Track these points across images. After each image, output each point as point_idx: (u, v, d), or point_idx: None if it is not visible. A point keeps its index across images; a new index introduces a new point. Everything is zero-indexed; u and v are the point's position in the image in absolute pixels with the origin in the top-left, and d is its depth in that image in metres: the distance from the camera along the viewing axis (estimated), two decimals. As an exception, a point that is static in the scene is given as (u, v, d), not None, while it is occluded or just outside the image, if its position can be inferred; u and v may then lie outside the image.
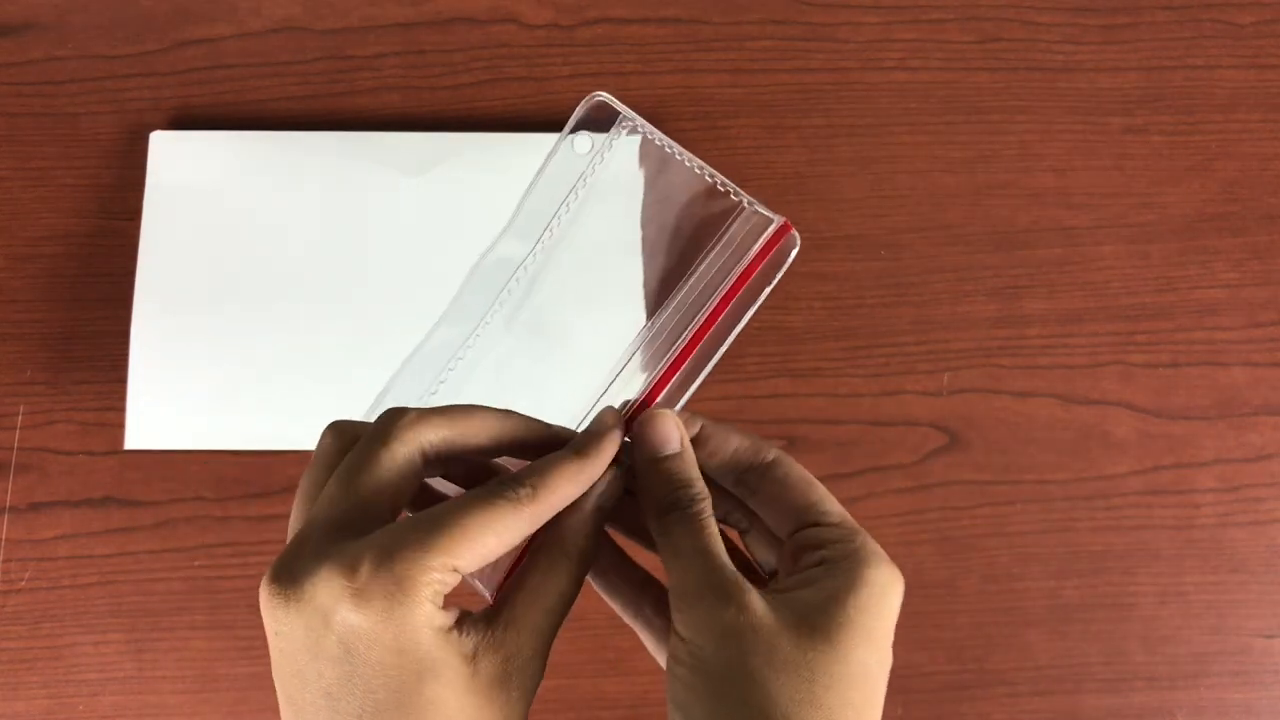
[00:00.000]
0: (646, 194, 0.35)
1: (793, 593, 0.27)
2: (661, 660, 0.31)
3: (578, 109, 0.34)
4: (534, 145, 0.53)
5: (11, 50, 0.55)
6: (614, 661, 0.50)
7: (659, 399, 0.32)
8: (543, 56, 0.55)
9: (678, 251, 0.34)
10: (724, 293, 0.32)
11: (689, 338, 0.32)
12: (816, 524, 0.29)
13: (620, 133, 0.35)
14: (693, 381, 0.32)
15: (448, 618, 0.26)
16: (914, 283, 0.53)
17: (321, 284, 0.51)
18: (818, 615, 0.26)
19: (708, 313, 0.32)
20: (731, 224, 0.33)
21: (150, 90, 0.55)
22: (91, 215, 0.53)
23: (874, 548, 0.28)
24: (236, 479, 0.51)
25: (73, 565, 0.51)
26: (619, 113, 0.35)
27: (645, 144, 0.35)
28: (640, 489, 0.30)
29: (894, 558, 0.51)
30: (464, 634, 0.26)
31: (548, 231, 0.35)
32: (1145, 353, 0.53)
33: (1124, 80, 0.55)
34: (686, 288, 0.34)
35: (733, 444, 0.31)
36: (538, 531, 0.28)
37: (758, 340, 0.53)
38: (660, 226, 0.35)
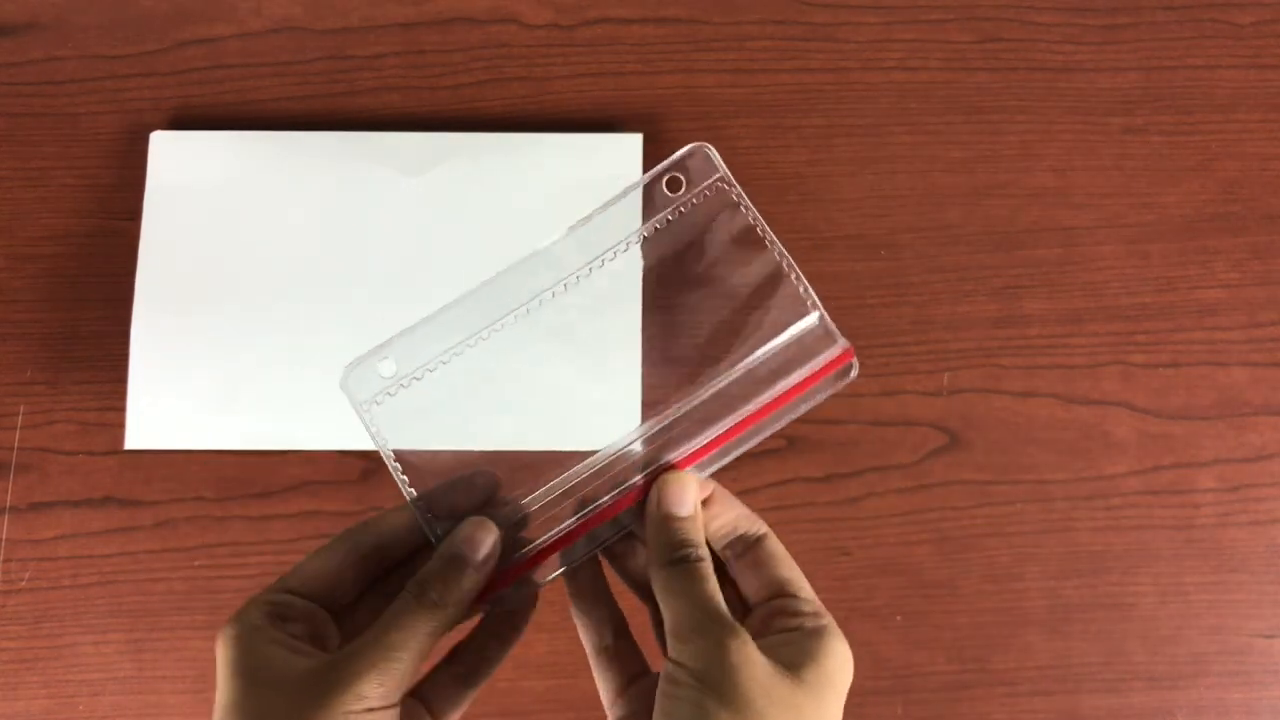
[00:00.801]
0: (718, 255, 0.36)
1: (773, 648, 0.30)
2: (605, 689, 0.34)
3: (682, 150, 0.34)
4: (534, 145, 0.53)
5: (12, 50, 0.55)
6: (614, 661, 0.50)
7: (687, 466, 0.34)
8: (543, 56, 0.55)
9: (731, 326, 0.35)
10: (772, 398, 0.34)
11: (725, 429, 0.34)
12: (794, 597, 0.32)
13: (715, 189, 0.35)
14: (710, 466, 0.34)
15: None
16: (914, 283, 0.53)
17: (322, 284, 0.52)
18: (801, 670, 0.30)
19: (750, 410, 0.34)
20: (796, 323, 0.34)
21: (150, 90, 0.55)
22: (92, 215, 0.53)
23: (837, 629, 0.31)
24: (237, 479, 0.51)
25: (73, 565, 0.51)
26: (718, 170, 0.35)
27: (734, 208, 0.35)
28: (649, 538, 0.33)
29: (894, 558, 0.51)
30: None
31: (610, 253, 0.35)
32: (1145, 353, 0.53)
33: (1124, 80, 0.55)
34: (734, 371, 0.35)
35: (734, 513, 0.34)
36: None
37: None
38: (721, 294, 0.36)
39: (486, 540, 0.32)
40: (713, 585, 0.31)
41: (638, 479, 0.34)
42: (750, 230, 0.34)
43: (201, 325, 0.51)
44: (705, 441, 0.34)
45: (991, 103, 0.55)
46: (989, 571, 0.51)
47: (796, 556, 0.34)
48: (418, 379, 0.35)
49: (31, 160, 0.54)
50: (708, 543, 0.34)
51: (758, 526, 0.34)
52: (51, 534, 0.51)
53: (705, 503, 0.34)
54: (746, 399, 0.34)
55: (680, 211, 0.35)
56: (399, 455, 0.34)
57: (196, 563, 0.51)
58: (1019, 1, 0.56)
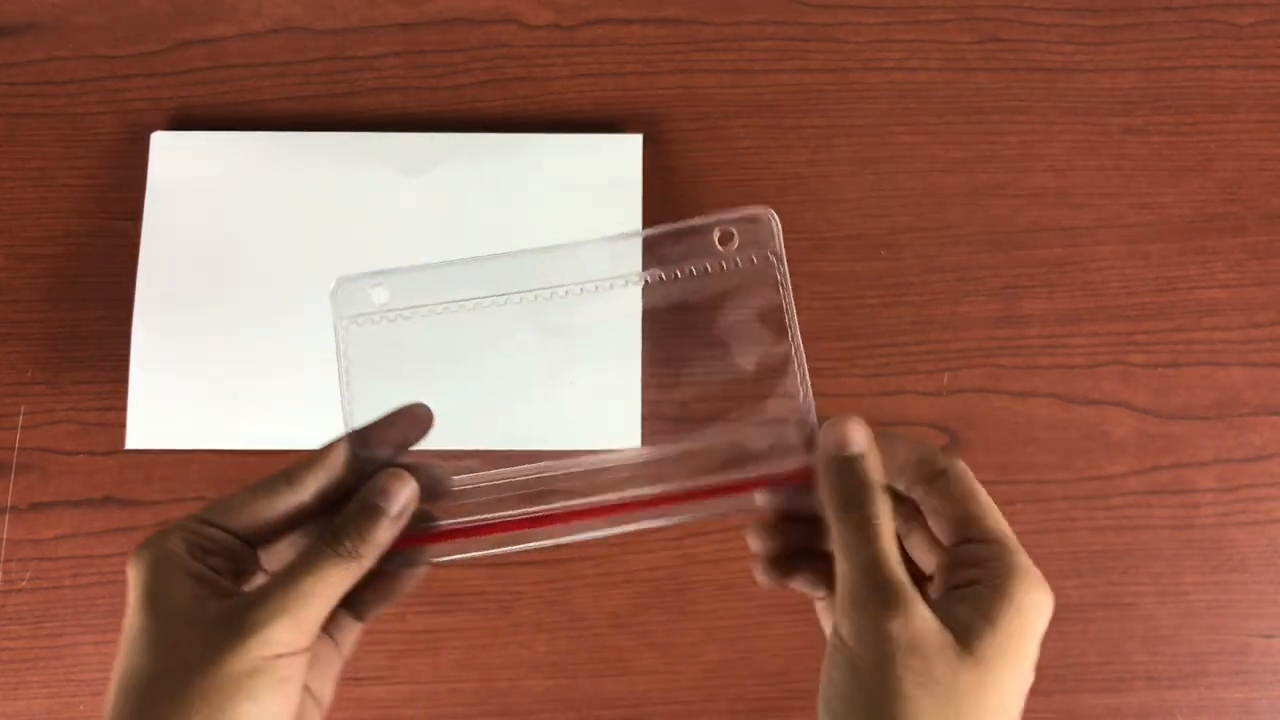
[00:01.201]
0: (739, 323, 0.35)
1: (949, 609, 0.28)
2: (827, 626, 0.32)
3: (748, 209, 0.33)
4: (534, 146, 0.53)
5: (12, 50, 0.55)
6: (614, 661, 0.50)
7: (623, 514, 0.33)
8: (543, 57, 0.55)
9: (723, 395, 0.35)
10: (727, 483, 0.33)
11: (669, 492, 0.33)
12: (973, 540, 0.30)
13: (763, 259, 0.34)
14: (638, 523, 0.33)
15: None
16: (913, 283, 0.53)
17: (322, 284, 0.51)
18: (971, 637, 0.27)
19: (703, 485, 0.33)
20: (786, 421, 0.33)
21: (151, 90, 0.55)
22: (92, 215, 0.54)
23: (1026, 567, 0.29)
24: (237, 479, 0.51)
25: (74, 565, 0.51)
26: (774, 242, 0.34)
27: (773, 286, 0.34)
28: (823, 488, 0.31)
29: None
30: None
31: (637, 277, 0.35)
32: (1145, 353, 0.53)
33: (1123, 80, 0.55)
34: (702, 439, 0.34)
35: (900, 456, 0.32)
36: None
37: (758, 340, 0.53)
38: (726, 360, 0.35)
39: (403, 492, 0.31)
40: (883, 546, 0.29)
41: (558, 505, 0.33)
42: (778, 312, 0.34)
43: (202, 325, 0.51)
44: (646, 497, 0.33)
45: (991, 103, 0.55)
46: (989, 571, 0.51)
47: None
48: (405, 318, 0.34)
49: (32, 160, 0.54)
50: (894, 490, 0.32)
51: (936, 462, 0.31)
52: (52, 534, 0.51)
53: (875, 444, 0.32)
54: (705, 472, 0.33)
55: (722, 266, 0.34)
56: (356, 384, 0.33)
57: (197, 562, 0.51)
58: (1019, 2, 0.56)
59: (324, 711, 0.33)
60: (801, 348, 0.34)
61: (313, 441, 0.51)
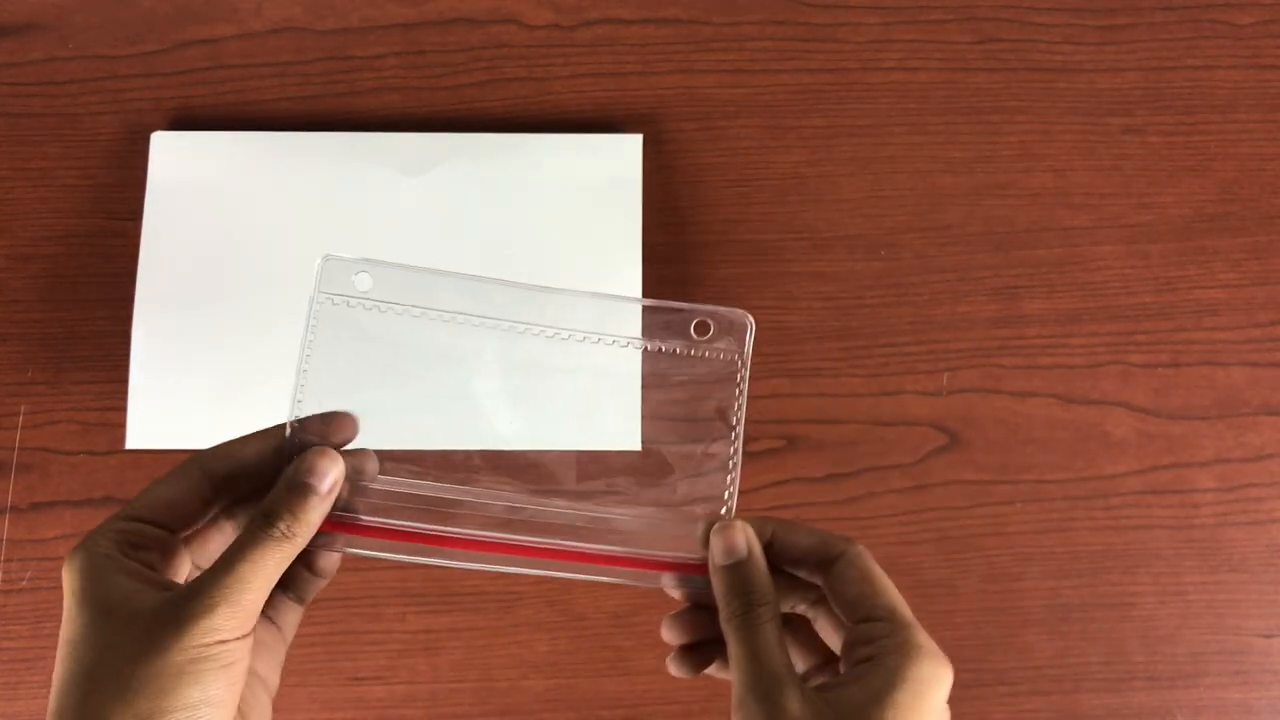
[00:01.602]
0: (689, 410, 0.36)
1: (841, 690, 0.29)
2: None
3: (730, 309, 0.34)
4: (534, 146, 0.53)
5: (13, 50, 0.55)
6: (614, 661, 0.50)
7: (518, 555, 0.34)
8: (543, 57, 0.55)
9: (657, 470, 0.35)
10: (640, 557, 0.34)
11: (576, 550, 0.34)
12: (869, 619, 0.31)
13: (730, 358, 0.35)
14: (542, 570, 0.34)
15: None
16: (913, 283, 0.53)
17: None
18: (856, 714, 0.28)
19: (615, 554, 0.34)
20: (701, 515, 0.34)
21: (151, 90, 0.55)
22: (92, 215, 0.54)
23: (920, 641, 0.30)
24: (237, 479, 0.51)
25: (74, 565, 0.51)
26: (744, 349, 0.35)
27: (730, 385, 0.35)
28: (715, 589, 0.33)
29: (894, 558, 0.51)
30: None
31: (610, 338, 0.35)
32: (1144, 353, 0.53)
33: (1123, 81, 0.56)
34: (626, 509, 0.35)
35: (800, 545, 0.33)
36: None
37: (758, 340, 0.53)
38: (670, 437, 0.36)
39: (331, 470, 0.32)
40: (764, 636, 0.31)
41: (475, 532, 0.34)
42: (728, 414, 0.35)
43: (202, 325, 0.51)
44: (555, 549, 0.34)
45: (991, 103, 0.55)
46: (988, 571, 0.51)
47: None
48: (381, 311, 0.35)
49: (32, 160, 0.54)
50: (788, 575, 0.34)
51: (833, 547, 0.33)
52: (52, 534, 0.51)
53: (767, 545, 0.33)
54: (616, 539, 0.34)
55: (689, 354, 0.35)
56: (315, 360, 0.34)
57: (197, 562, 0.51)
58: (1018, 2, 0.56)
59: (272, 694, 0.33)
60: (740, 453, 0.35)
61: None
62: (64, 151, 0.54)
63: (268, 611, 0.33)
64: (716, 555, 0.33)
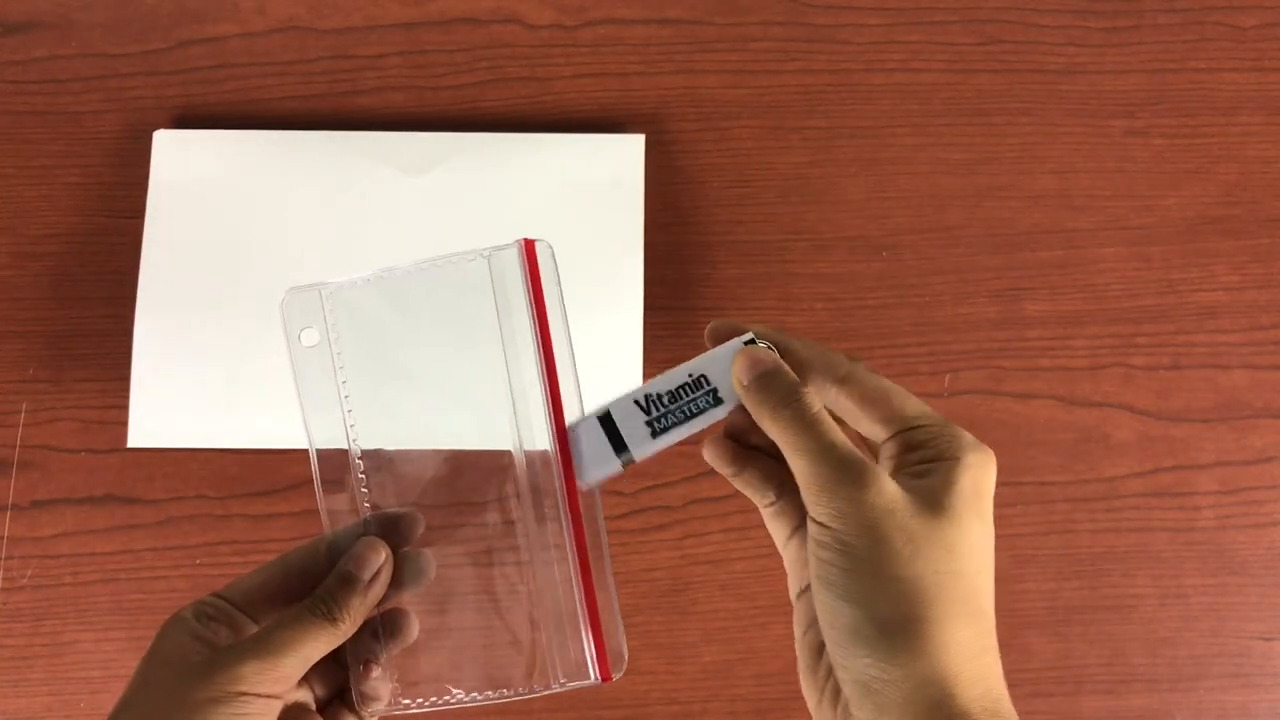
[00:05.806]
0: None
1: (908, 483, 0.31)
2: (779, 537, 0.35)
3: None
4: (536, 146, 0.53)
5: (15, 49, 0.55)
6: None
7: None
8: (545, 57, 0.55)
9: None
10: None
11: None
12: (910, 428, 0.32)
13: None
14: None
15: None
16: (915, 284, 0.53)
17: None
18: (939, 498, 0.30)
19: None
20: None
21: (154, 89, 0.55)
22: (95, 214, 0.54)
23: (965, 436, 0.31)
24: (238, 477, 0.51)
25: (74, 563, 0.51)
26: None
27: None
28: (753, 407, 0.33)
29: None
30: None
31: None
32: (1146, 355, 0.53)
33: (1126, 83, 0.55)
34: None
35: (802, 355, 0.34)
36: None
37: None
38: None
39: (374, 560, 0.34)
40: (828, 428, 0.31)
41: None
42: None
43: (204, 323, 0.51)
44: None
45: (993, 105, 0.55)
46: (989, 573, 0.51)
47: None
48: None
49: (35, 159, 0.54)
50: (749, 447, 0.34)
51: (838, 368, 0.33)
52: (53, 532, 0.51)
53: (779, 348, 0.34)
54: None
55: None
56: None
57: (198, 561, 0.51)
58: (1021, 4, 0.56)
59: None
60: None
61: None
62: (66, 150, 0.54)
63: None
64: (748, 370, 0.33)
